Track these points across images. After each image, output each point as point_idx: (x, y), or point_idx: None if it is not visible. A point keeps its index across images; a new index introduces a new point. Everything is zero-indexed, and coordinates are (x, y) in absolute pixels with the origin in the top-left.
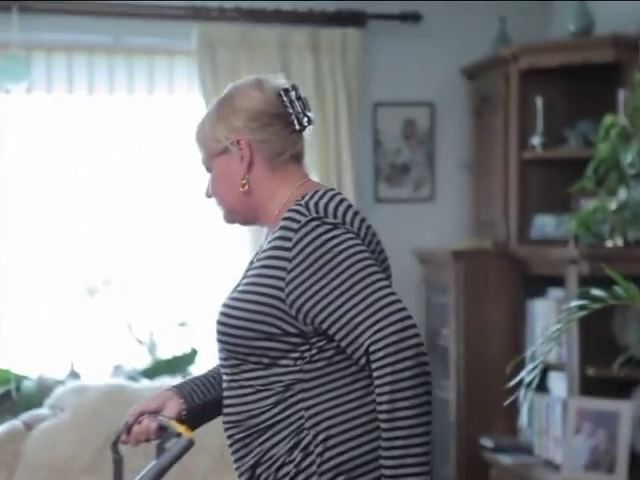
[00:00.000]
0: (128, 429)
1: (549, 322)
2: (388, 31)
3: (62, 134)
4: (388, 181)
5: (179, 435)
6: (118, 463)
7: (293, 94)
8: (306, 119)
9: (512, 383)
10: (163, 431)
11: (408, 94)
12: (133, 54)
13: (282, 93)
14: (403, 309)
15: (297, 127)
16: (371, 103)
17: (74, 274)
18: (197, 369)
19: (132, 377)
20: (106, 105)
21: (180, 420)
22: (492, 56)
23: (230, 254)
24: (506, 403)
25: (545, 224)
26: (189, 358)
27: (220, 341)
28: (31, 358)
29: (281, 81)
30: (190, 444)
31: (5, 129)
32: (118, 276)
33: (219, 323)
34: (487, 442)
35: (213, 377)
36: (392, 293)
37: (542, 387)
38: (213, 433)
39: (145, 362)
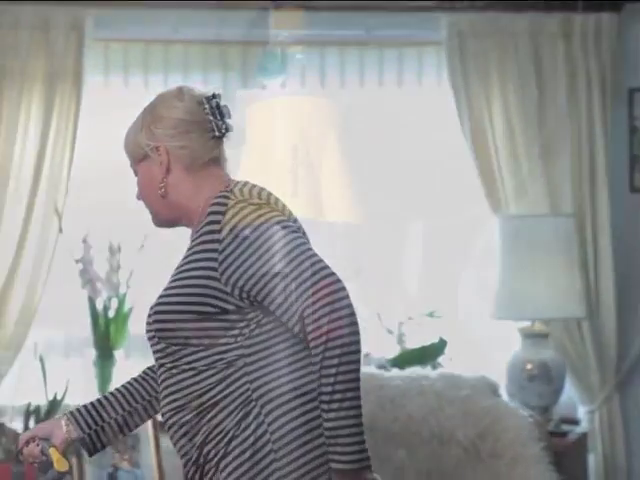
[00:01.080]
0: (20, 450)
1: None
2: None
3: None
4: None
5: (53, 465)
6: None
7: (214, 102)
8: (224, 126)
9: None
10: (46, 456)
11: None
12: (383, 47)
13: (204, 101)
14: (333, 274)
15: (216, 134)
16: (627, 89)
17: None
18: (445, 360)
19: (382, 366)
20: (357, 98)
21: (65, 447)
22: None
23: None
24: None
25: None
26: (437, 349)
27: (158, 330)
28: None
29: (203, 90)
30: (59, 476)
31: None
32: (368, 266)
33: (157, 313)
34: None
35: (127, 390)
36: (320, 260)
37: None
38: (464, 424)
39: (393, 352)
